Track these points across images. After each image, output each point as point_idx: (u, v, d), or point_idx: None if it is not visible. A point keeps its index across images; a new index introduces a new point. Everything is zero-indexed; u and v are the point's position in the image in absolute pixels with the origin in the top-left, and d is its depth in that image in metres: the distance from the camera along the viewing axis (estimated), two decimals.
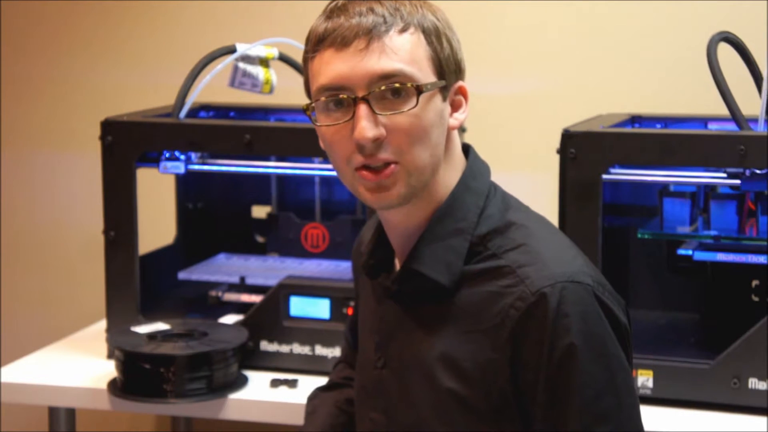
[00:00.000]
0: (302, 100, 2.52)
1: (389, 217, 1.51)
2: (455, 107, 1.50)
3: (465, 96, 1.52)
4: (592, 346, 1.39)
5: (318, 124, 1.46)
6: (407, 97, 1.42)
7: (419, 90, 1.42)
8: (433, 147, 1.45)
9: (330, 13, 1.44)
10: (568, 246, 1.50)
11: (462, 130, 1.54)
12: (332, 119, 1.44)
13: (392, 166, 1.43)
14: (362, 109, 1.41)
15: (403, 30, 1.43)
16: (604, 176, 2.02)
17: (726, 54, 2.00)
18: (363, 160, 1.43)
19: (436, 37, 1.45)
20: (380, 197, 1.45)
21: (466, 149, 1.55)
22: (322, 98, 1.44)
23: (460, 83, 1.50)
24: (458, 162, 1.52)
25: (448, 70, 1.47)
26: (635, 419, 1.44)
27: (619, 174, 2.06)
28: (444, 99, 1.47)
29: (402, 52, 1.42)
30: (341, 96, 1.42)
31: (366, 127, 1.41)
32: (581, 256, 1.48)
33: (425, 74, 1.44)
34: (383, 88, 1.41)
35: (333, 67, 1.42)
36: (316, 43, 1.44)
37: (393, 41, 1.42)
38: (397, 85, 1.41)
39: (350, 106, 1.42)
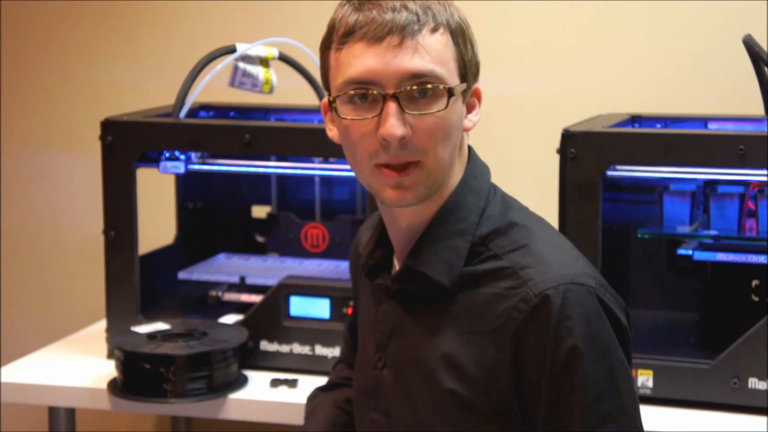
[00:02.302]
0: (302, 100, 2.55)
1: (398, 216, 1.51)
2: (469, 108, 1.50)
3: (479, 98, 1.52)
4: (594, 347, 1.39)
5: (342, 116, 1.45)
6: (436, 98, 1.42)
7: (450, 92, 1.42)
8: (452, 148, 1.46)
9: (360, 5, 1.42)
10: (569, 247, 1.50)
11: None
12: (358, 114, 1.43)
13: (411, 166, 1.43)
14: (391, 107, 1.41)
15: (435, 30, 1.42)
16: (609, 173, 2.02)
17: (731, 55, 2.00)
18: (388, 160, 1.42)
19: (462, 39, 1.45)
20: (399, 196, 1.44)
21: (467, 150, 1.55)
22: (350, 91, 1.43)
23: (476, 85, 1.51)
24: (464, 161, 1.52)
25: (470, 72, 1.47)
26: (636, 420, 1.44)
27: (619, 174, 2.06)
28: (463, 101, 1.47)
29: (433, 53, 1.42)
30: (371, 91, 1.42)
31: (394, 125, 1.40)
32: (582, 258, 1.48)
33: (452, 76, 1.44)
34: (414, 87, 1.41)
35: (364, 61, 1.41)
36: (345, 34, 1.42)
37: (426, 40, 1.41)
38: (429, 85, 1.41)
39: (378, 102, 1.41)
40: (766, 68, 1.98)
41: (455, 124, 1.45)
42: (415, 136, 1.41)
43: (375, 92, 1.41)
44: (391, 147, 1.41)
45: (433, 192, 1.46)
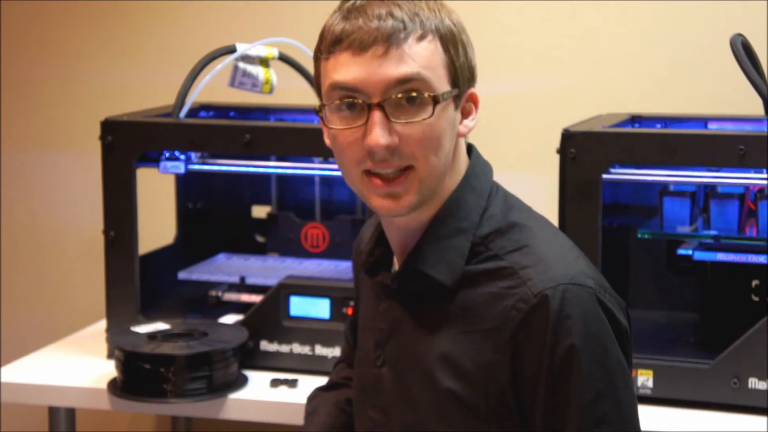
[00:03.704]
0: (302, 100, 2.55)
1: (393, 219, 1.51)
2: (465, 114, 1.50)
3: (476, 103, 1.51)
4: (592, 348, 1.39)
5: (330, 126, 1.45)
6: (423, 105, 1.41)
7: (436, 100, 1.42)
8: (444, 155, 1.45)
9: (347, 14, 1.42)
10: (570, 247, 1.50)
11: None
12: (345, 122, 1.43)
13: (403, 174, 1.42)
14: (377, 116, 1.40)
15: (422, 37, 1.42)
16: (604, 176, 2.02)
17: (731, 55, 2.00)
18: (373, 166, 1.42)
19: (452, 45, 1.44)
20: (390, 205, 1.44)
21: (469, 148, 1.55)
22: (336, 101, 1.43)
23: (471, 90, 1.50)
24: (462, 163, 1.52)
25: (462, 77, 1.46)
26: (634, 421, 1.44)
27: (619, 174, 2.06)
28: (456, 107, 1.47)
29: (420, 60, 1.41)
30: (356, 100, 1.41)
31: (379, 134, 1.40)
32: (583, 258, 1.48)
33: (441, 82, 1.43)
34: (399, 95, 1.40)
35: (349, 70, 1.41)
36: (332, 43, 1.42)
37: (412, 48, 1.41)
38: (413, 93, 1.40)
39: (364, 110, 1.41)
40: (749, 69, 1.98)
41: (445, 131, 1.44)
42: (402, 144, 1.41)
43: (360, 101, 1.41)
44: (377, 156, 1.41)
45: (425, 200, 1.46)
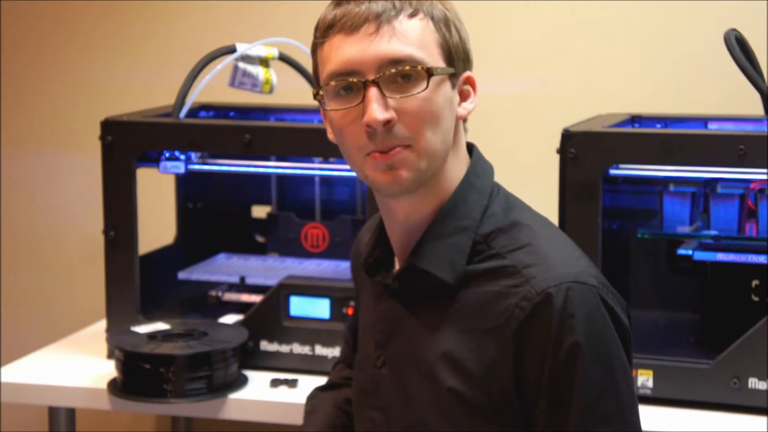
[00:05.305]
0: (302, 100, 2.55)
1: (395, 209, 1.50)
2: (463, 97, 1.50)
3: (473, 86, 1.52)
4: (595, 346, 1.39)
5: (328, 108, 1.46)
6: (417, 80, 1.42)
7: (429, 73, 1.42)
8: (444, 133, 1.45)
9: (339, 1, 1.45)
10: (572, 247, 1.50)
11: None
12: (342, 104, 1.44)
13: (401, 148, 1.42)
14: (372, 92, 1.41)
15: (413, 15, 1.43)
16: (611, 171, 2.02)
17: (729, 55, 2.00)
18: (375, 148, 1.42)
19: (444, 25, 1.46)
20: (391, 178, 1.44)
21: (470, 148, 1.55)
22: (332, 83, 1.44)
23: (468, 73, 1.50)
24: (464, 157, 1.52)
25: (457, 57, 1.47)
26: (635, 421, 1.44)
27: (621, 170, 2.06)
28: (453, 87, 1.47)
29: (412, 36, 1.42)
30: (351, 80, 1.42)
31: (376, 109, 1.40)
32: (585, 257, 1.48)
33: (434, 59, 1.44)
34: (393, 71, 1.41)
35: (343, 51, 1.42)
36: (326, 29, 1.45)
37: (403, 25, 1.42)
38: (407, 68, 1.41)
39: (360, 90, 1.42)
40: (743, 64, 1.98)
41: (442, 107, 1.44)
42: (401, 120, 1.42)
43: (355, 80, 1.42)
44: (377, 134, 1.41)
45: (427, 178, 1.46)
